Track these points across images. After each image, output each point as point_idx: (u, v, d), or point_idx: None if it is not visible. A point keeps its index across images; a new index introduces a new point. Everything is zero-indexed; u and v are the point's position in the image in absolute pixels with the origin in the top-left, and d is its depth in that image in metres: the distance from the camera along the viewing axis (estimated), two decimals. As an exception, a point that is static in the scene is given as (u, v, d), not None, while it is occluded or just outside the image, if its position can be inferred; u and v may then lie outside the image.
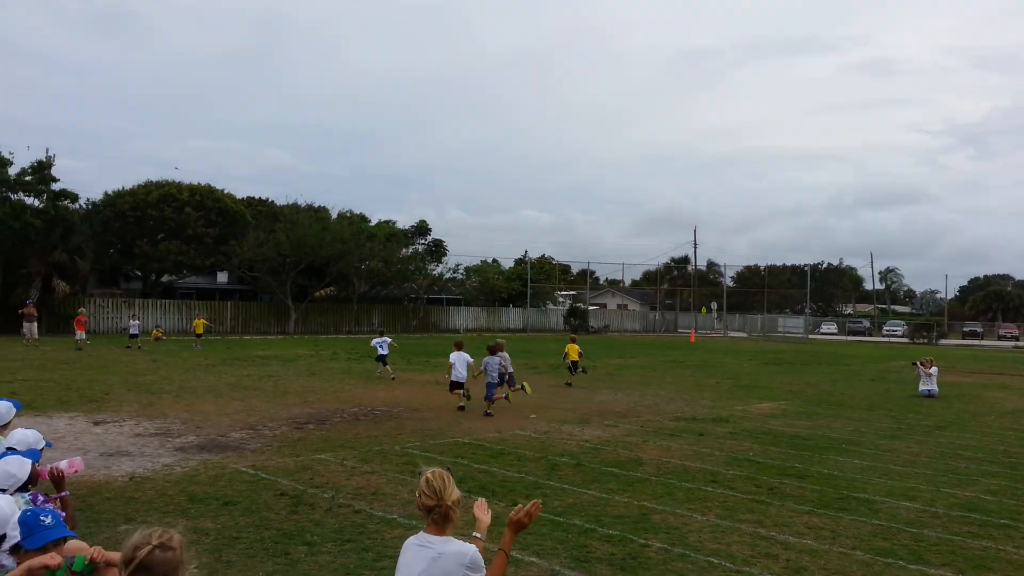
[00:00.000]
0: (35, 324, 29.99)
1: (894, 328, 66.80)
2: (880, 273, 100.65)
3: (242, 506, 7.44)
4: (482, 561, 3.30)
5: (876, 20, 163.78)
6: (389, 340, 21.70)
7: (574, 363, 21.26)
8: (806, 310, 72.27)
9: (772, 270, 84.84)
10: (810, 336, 63.16)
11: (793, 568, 6.13)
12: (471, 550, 3.30)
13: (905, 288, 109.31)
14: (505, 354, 15.88)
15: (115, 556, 3.29)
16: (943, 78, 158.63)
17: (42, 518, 3.07)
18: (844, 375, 26.03)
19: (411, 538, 3.44)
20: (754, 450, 11.25)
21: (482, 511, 3.61)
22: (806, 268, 76.40)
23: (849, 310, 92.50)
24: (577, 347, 21.79)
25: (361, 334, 47.44)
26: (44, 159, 39.10)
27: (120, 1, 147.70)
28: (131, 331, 31.42)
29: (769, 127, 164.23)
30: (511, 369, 15.98)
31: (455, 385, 15.41)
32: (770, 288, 77.74)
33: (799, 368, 28.75)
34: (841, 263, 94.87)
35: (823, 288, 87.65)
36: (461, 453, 10.46)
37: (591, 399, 17.09)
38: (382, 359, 20.88)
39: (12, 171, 37.95)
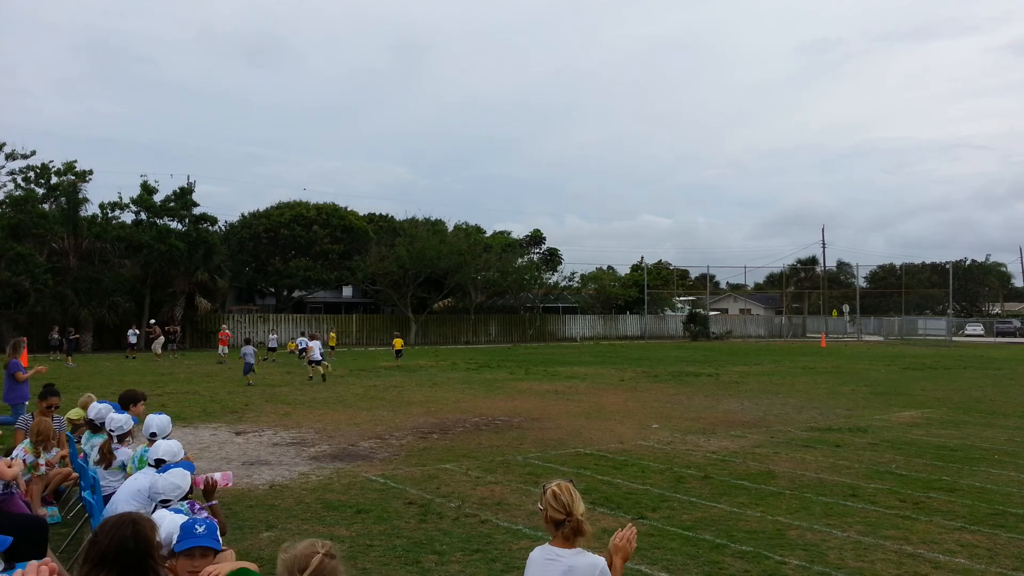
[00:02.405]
0: (158, 341, 32.23)
1: (1050, 328, 61.40)
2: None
3: (374, 514, 7.68)
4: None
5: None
6: (319, 344, 23.96)
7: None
8: (948, 311, 67.50)
9: (909, 269, 79.92)
10: (954, 338, 58.93)
11: (947, 591, 5.70)
12: (601, 563, 3.26)
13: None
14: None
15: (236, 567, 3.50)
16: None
17: (197, 527, 3.26)
18: (993, 380, 24.11)
19: (536, 551, 3.43)
20: (897, 462, 10.58)
21: None
22: (947, 266, 71.43)
23: (997, 309, 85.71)
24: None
25: (479, 345, 48.23)
26: (186, 186, 42.18)
27: (257, 33, 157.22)
28: (269, 344, 33.70)
29: (903, 117, 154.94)
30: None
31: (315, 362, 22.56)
32: (908, 288, 73.20)
33: (943, 373, 26.87)
34: (988, 259, 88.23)
35: (967, 287, 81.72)
36: (583, 464, 10.39)
37: (715, 408, 16.61)
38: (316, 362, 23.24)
39: (158, 198, 41.11)
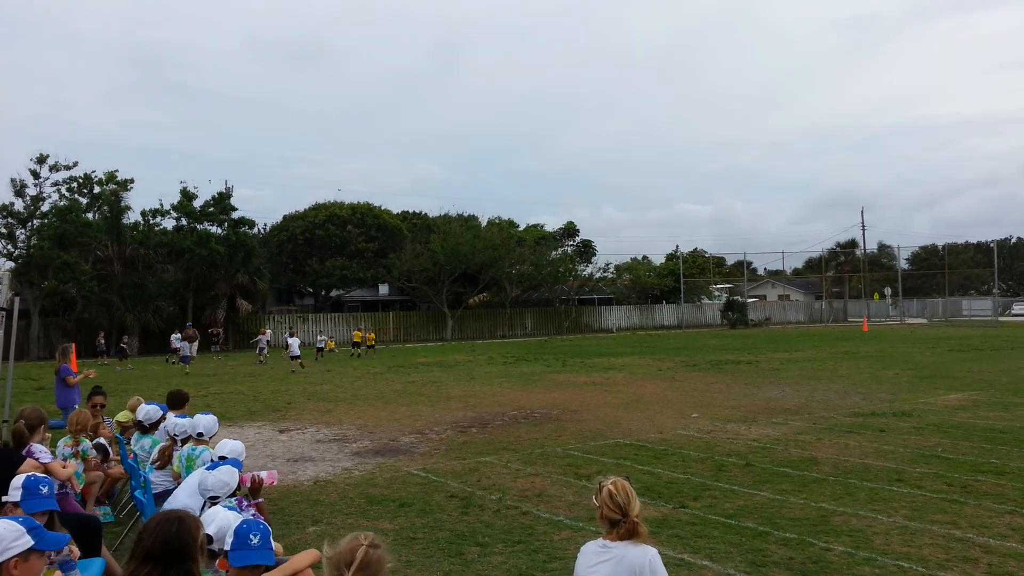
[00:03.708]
0: (195, 344, 32.10)
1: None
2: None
3: (416, 507, 7.78)
4: (662, 563, 3.27)
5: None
6: (297, 340, 27.95)
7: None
8: (994, 290, 65.82)
9: (952, 249, 78.14)
10: (1000, 319, 57.44)
11: (996, 573, 5.60)
12: (652, 551, 3.28)
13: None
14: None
15: (288, 571, 3.58)
16: None
17: (252, 537, 3.29)
18: (1044, 360, 23.49)
19: (589, 544, 3.46)
20: (943, 445, 10.39)
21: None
22: (992, 244, 69.65)
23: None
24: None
25: (515, 338, 48.34)
26: (224, 191, 42.90)
27: (293, 37, 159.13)
28: (318, 345, 34.00)
29: (945, 93, 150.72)
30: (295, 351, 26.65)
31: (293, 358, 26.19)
32: (951, 269, 71.54)
33: (989, 354, 26.25)
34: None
35: (1013, 265, 79.61)
36: (623, 454, 10.39)
37: (755, 395, 16.45)
38: (296, 357, 26.56)
39: (197, 203, 41.91)
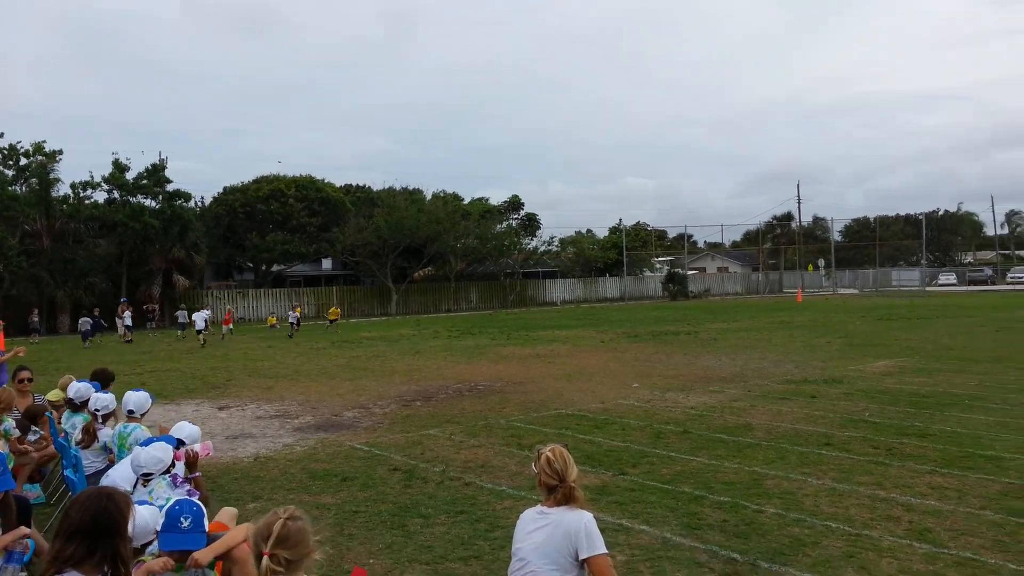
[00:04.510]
0: (125, 320, 30.85)
1: (1020, 275, 62.36)
2: (1006, 217, 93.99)
3: (359, 482, 7.78)
4: (597, 527, 3.35)
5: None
6: (202, 315, 28.24)
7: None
8: (922, 261, 68.42)
9: (884, 221, 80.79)
10: (927, 289, 59.81)
11: (916, 530, 5.90)
12: (587, 516, 3.37)
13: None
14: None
15: (219, 549, 3.53)
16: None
17: (183, 519, 3.25)
18: (966, 328, 24.60)
19: (528, 511, 3.53)
20: (870, 410, 10.84)
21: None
22: (920, 217, 72.24)
23: (969, 259, 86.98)
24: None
25: (460, 312, 48.33)
26: (158, 162, 41.51)
27: (238, 5, 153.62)
28: (290, 320, 32.90)
29: (883, 71, 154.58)
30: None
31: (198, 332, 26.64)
32: (882, 240, 74.06)
33: (916, 323, 27.36)
34: (959, 209, 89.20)
35: (940, 237, 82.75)
36: (565, 424, 10.55)
37: (694, 365, 16.84)
38: (201, 331, 27.05)
39: (130, 175, 40.49)
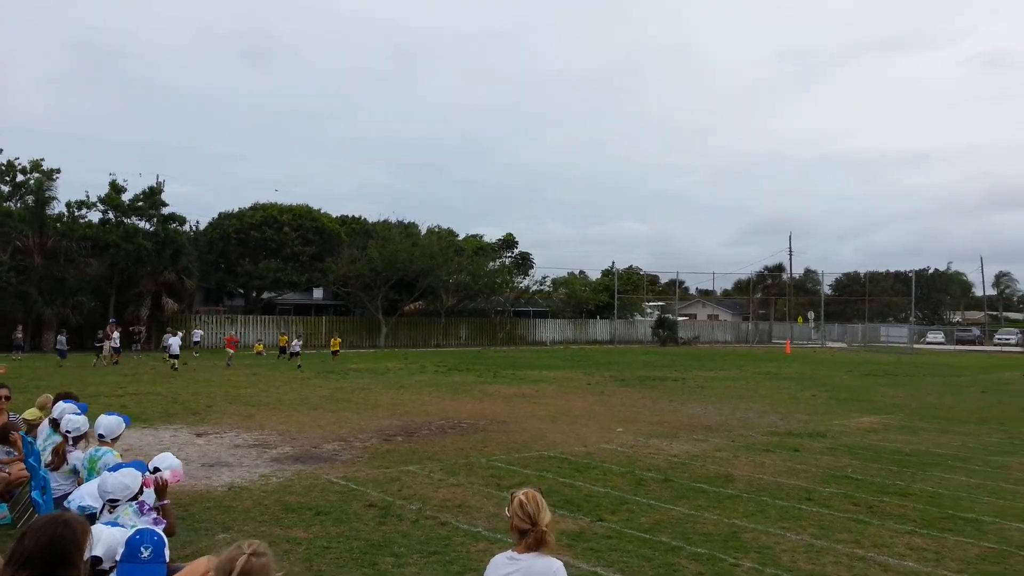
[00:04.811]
0: (109, 343, 29.97)
1: (1007, 336, 62.72)
2: (995, 278, 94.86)
3: (333, 516, 7.66)
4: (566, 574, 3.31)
5: (985, 10, 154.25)
6: (177, 340, 27.62)
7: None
8: (911, 318, 68.76)
9: (874, 277, 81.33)
10: (915, 346, 60.05)
11: (893, 592, 5.84)
12: (557, 564, 3.33)
13: (1019, 294, 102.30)
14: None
15: None
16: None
17: (143, 549, 3.19)
18: (952, 387, 24.65)
19: (498, 556, 3.48)
20: (853, 466, 10.79)
21: None
22: (910, 274, 72.82)
23: (957, 318, 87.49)
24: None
25: (449, 348, 48.16)
26: (155, 185, 41.59)
27: (246, 34, 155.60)
28: (293, 349, 31.07)
29: (878, 128, 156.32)
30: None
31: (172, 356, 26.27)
32: (871, 296, 74.49)
33: (903, 380, 27.40)
34: (949, 268, 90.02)
35: (929, 295, 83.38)
36: (546, 467, 10.45)
37: (679, 412, 16.78)
38: (175, 356, 26.58)
39: (126, 197, 40.52)
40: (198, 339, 36.57)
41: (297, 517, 7.64)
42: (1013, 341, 60.53)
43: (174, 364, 26.23)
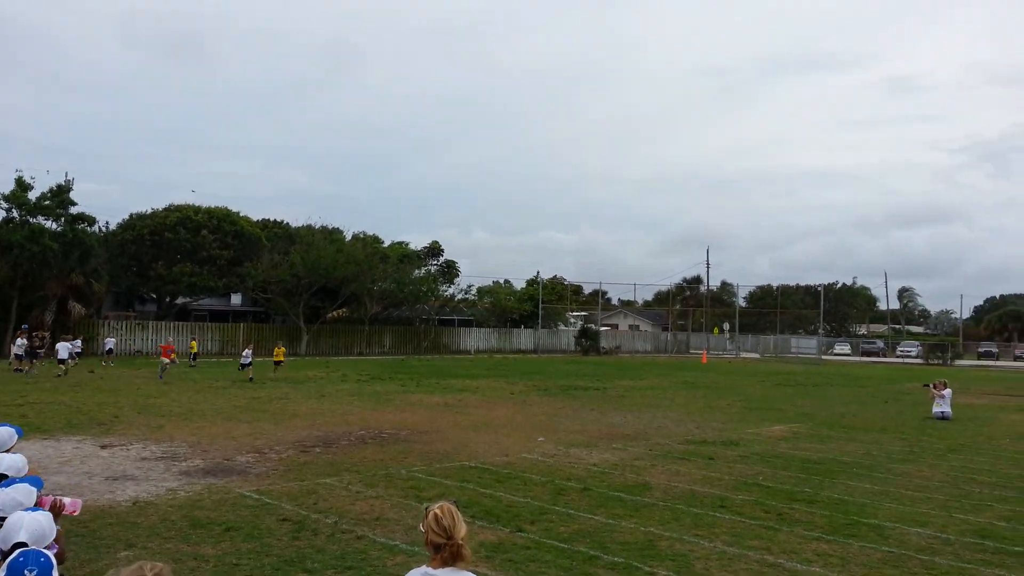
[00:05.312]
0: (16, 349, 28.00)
1: (908, 348, 66.06)
2: (898, 293, 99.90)
3: (244, 532, 7.41)
4: None
5: (894, 36, 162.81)
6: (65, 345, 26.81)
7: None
8: (819, 331, 71.69)
9: (785, 290, 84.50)
10: (823, 357, 62.63)
11: (800, 597, 6.02)
12: None
13: (920, 308, 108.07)
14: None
15: None
16: (963, 94, 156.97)
17: (26, 573, 2.99)
18: (857, 397, 25.76)
19: (414, 571, 3.41)
20: (764, 474, 11.12)
21: None
22: (820, 288, 75.96)
23: (863, 330, 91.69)
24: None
25: (372, 356, 47.53)
26: (63, 183, 39.65)
27: (167, 30, 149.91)
28: (244, 360, 27.23)
29: (792, 145, 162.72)
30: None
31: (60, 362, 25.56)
32: (783, 308, 77.37)
33: (811, 390, 28.48)
34: (855, 283, 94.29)
35: (837, 308, 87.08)
36: (467, 477, 10.40)
37: (600, 421, 16.98)
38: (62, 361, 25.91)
39: (32, 195, 38.49)
40: (111, 347, 34.84)
41: (206, 533, 7.36)
42: (914, 353, 63.75)
43: (62, 371, 25.38)
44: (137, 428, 14.21)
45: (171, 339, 38.18)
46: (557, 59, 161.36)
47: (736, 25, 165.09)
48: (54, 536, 3.25)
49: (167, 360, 26.55)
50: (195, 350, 33.05)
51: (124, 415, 15.96)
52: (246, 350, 27.83)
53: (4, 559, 3.18)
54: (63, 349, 26.29)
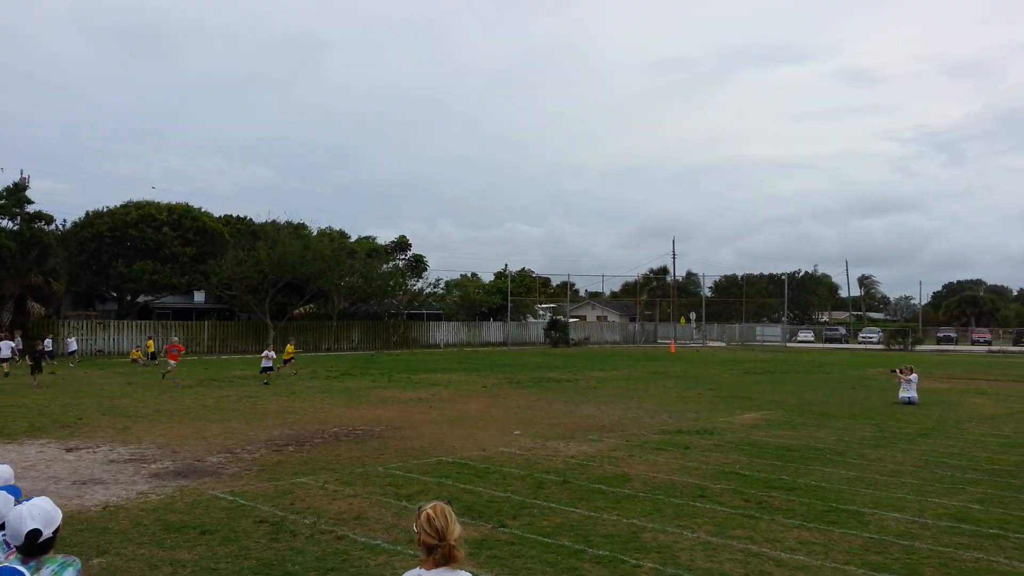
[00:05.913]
0: None
1: (870, 335, 67.33)
2: (858, 280, 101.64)
3: (220, 535, 7.22)
4: None
5: (849, 28, 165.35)
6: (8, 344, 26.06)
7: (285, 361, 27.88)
8: (783, 318, 72.70)
9: (750, 279, 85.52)
10: (788, 344, 63.55)
11: (786, 585, 6.03)
12: None
13: (880, 295, 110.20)
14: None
15: None
16: (916, 84, 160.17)
17: None
18: (824, 383, 26.13)
19: (408, 573, 3.31)
20: (740, 463, 11.18)
21: None
22: (783, 277, 77.01)
23: (825, 318, 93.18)
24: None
25: (341, 352, 47.07)
26: (18, 181, 38.56)
27: (125, 24, 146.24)
28: (265, 364, 25.49)
29: (753, 136, 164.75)
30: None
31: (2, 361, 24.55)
32: (748, 297, 78.30)
33: (779, 377, 28.83)
34: (816, 271, 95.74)
35: (800, 296, 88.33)
36: (445, 473, 10.29)
37: (574, 413, 16.97)
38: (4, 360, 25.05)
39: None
40: (73, 348, 33.76)
41: (180, 537, 7.15)
42: (875, 339, 64.99)
43: (6, 371, 24.55)
44: (103, 430, 13.84)
45: (151, 337, 37.19)
46: (520, 52, 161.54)
47: (695, 19, 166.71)
48: (59, 518, 3.27)
49: (173, 363, 24.71)
50: (152, 349, 32.22)
51: (89, 417, 15.54)
52: (267, 351, 26.38)
53: (24, 551, 3.17)
54: (5, 347, 25.53)
